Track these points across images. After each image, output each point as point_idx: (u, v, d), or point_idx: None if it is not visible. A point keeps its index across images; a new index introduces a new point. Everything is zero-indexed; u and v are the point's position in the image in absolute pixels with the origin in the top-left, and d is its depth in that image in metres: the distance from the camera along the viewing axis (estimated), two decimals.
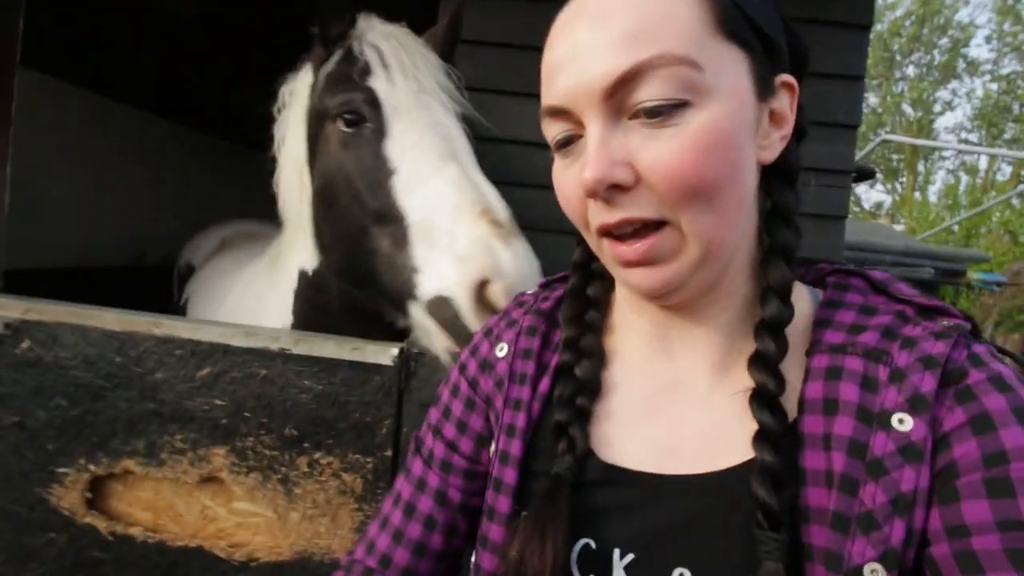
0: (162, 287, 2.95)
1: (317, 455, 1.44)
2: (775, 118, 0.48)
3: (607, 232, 0.47)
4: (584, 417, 0.53)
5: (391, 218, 1.04)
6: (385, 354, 1.41)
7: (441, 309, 0.97)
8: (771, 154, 0.48)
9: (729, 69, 0.43)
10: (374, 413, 1.43)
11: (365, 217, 1.08)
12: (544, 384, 0.56)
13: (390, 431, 1.41)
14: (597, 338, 0.55)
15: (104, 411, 1.48)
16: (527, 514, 0.50)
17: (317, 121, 1.14)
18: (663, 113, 0.42)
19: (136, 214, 3.43)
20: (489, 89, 1.35)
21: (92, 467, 1.50)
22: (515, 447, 0.54)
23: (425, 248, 0.99)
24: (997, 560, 0.35)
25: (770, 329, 0.47)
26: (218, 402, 1.45)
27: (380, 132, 1.04)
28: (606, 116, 0.44)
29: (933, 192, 18.55)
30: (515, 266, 0.89)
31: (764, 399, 0.46)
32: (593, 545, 0.50)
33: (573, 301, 0.57)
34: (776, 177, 0.51)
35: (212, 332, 1.44)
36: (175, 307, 2.65)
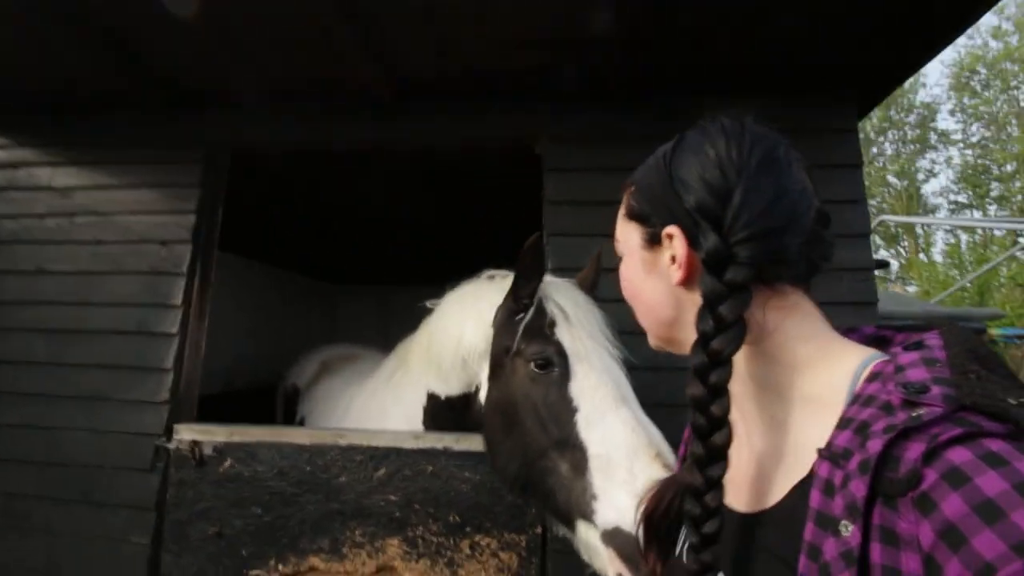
0: (253, 407, 3.26)
1: (478, 537, 1.70)
2: (673, 257, 0.62)
3: None
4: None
5: (572, 447, 1.21)
6: None
7: (618, 538, 1.08)
8: (674, 279, 0.62)
9: (629, 236, 0.68)
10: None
11: (547, 441, 1.26)
12: None
13: (539, 510, 1.68)
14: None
15: (294, 515, 1.76)
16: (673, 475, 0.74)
17: (502, 352, 1.38)
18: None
19: (227, 346, 3.84)
20: (594, 234, 1.82)
21: (281, 567, 1.75)
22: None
23: (603, 479, 1.14)
24: None
25: (694, 429, 0.58)
26: (392, 498, 1.74)
27: (565, 376, 1.28)
28: None
29: (936, 252, 19.36)
30: None
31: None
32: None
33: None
34: (702, 304, 0.58)
35: (386, 438, 1.77)
36: (287, 423, 2.95)
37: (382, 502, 1.74)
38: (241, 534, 1.77)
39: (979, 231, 17.13)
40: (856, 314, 1.76)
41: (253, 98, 2.00)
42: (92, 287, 1.99)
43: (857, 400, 0.50)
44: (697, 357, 0.56)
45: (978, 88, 20.57)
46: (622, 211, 0.69)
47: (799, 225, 0.57)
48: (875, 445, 0.44)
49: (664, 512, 0.67)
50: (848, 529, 0.44)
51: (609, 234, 1.80)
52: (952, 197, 21.45)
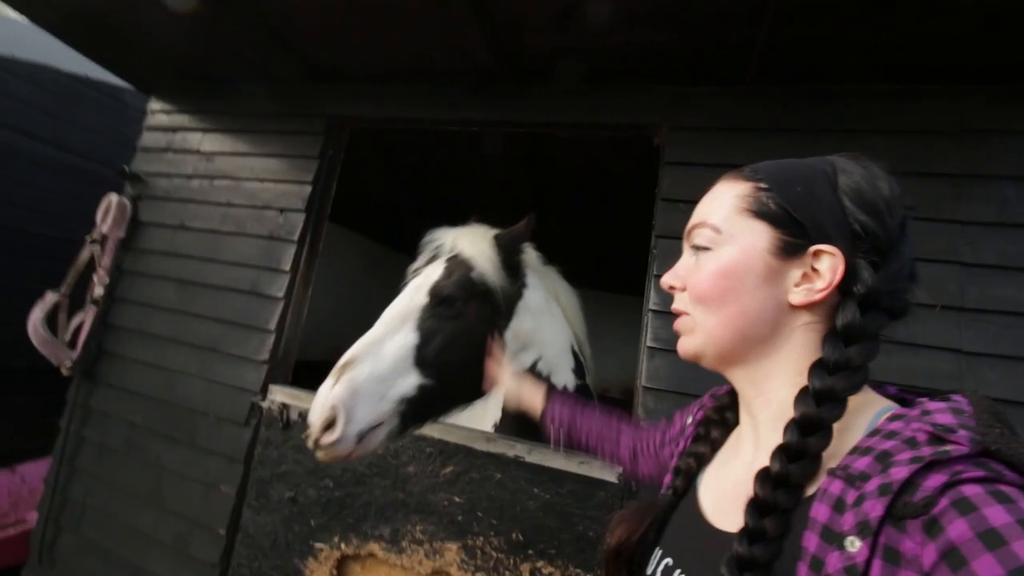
0: None
1: (540, 563, 1.54)
2: (808, 275, 0.60)
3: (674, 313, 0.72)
4: (686, 471, 0.74)
5: None
6: (611, 471, 1.53)
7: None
8: (797, 299, 0.60)
9: (748, 233, 0.63)
10: (596, 528, 1.52)
11: None
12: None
13: None
14: (720, 427, 0.76)
15: (361, 495, 1.73)
16: (648, 501, 0.74)
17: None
18: (700, 251, 0.67)
19: (327, 316, 4.08)
20: None
21: (344, 545, 1.73)
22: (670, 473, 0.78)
23: None
24: None
25: (784, 452, 0.56)
26: (456, 499, 1.64)
27: None
28: (687, 246, 0.71)
29: None
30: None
31: (755, 507, 0.56)
32: (662, 553, 0.68)
33: (717, 404, 0.79)
34: (832, 332, 0.59)
35: (458, 435, 1.68)
36: None
37: (446, 501, 1.64)
38: (313, 504, 1.79)
39: None
40: None
41: (372, 74, 2.01)
42: (220, 246, 2.14)
43: (877, 434, 0.53)
44: (818, 379, 0.57)
45: None
46: (743, 205, 0.65)
47: (913, 282, 0.61)
48: (900, 472, 0.47)
49: (640, 538, 0.71)
50: (856, 545, 0.47)
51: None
52: None
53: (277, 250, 2.04)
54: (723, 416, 0.77)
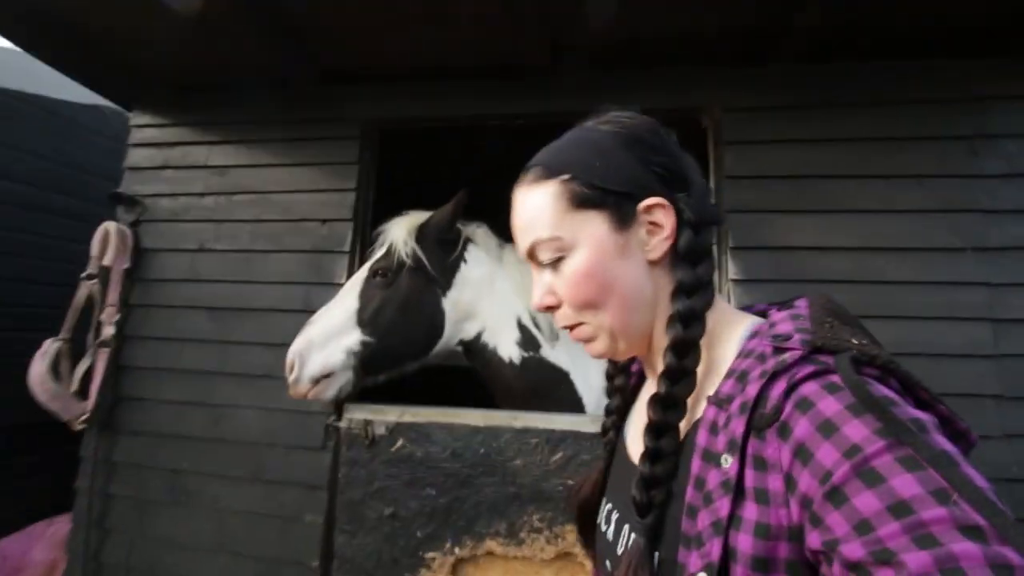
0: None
1: None
2: (651, 229, 0.63)
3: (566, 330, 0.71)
4: (613, 425, 0.80)
5: None
6: None
7: None
8: (657, 254, 0.63)
9: (584, 226, 0.63)
10: None
11: None
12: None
13: None
14: (623, 374, 0.82)
15: (469, 497, 1.73)
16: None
17: None
18: (553, 264, 0.66)
19: None
20: (776, 210, 1.71)
21: (458, 550, 1.72)
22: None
23: None
24: (869, 557, 0.39)
25: (665, 376, 0.61)
26: (570, 482, 1.69)
27: None
28: (536, 265, 0.69)
29: None
30: None
31: (650, 429, 0.61)
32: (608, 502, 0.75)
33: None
34: (679, 262, 0.64)
35: (564, 421, 1.72)
36: None
37: (560, 486, 1.69)
38: (416, 515, 1.75)
39: None
40: None
41: (407, 70, 1.96)
42: (253, 265, 1.99)
43: (741, 354, 0.58)
44: (680, 303, 0.62)
45: None
46: (562, 205, 0.64)
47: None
48: (752, 389, 0.51)
49: (593, 494, 0.79)
50: (728, 461, 0.51)
51: (791, 209, 1.70)
52: None
53: (326, 263, 1.94)
54: (624, 366, 0.81)
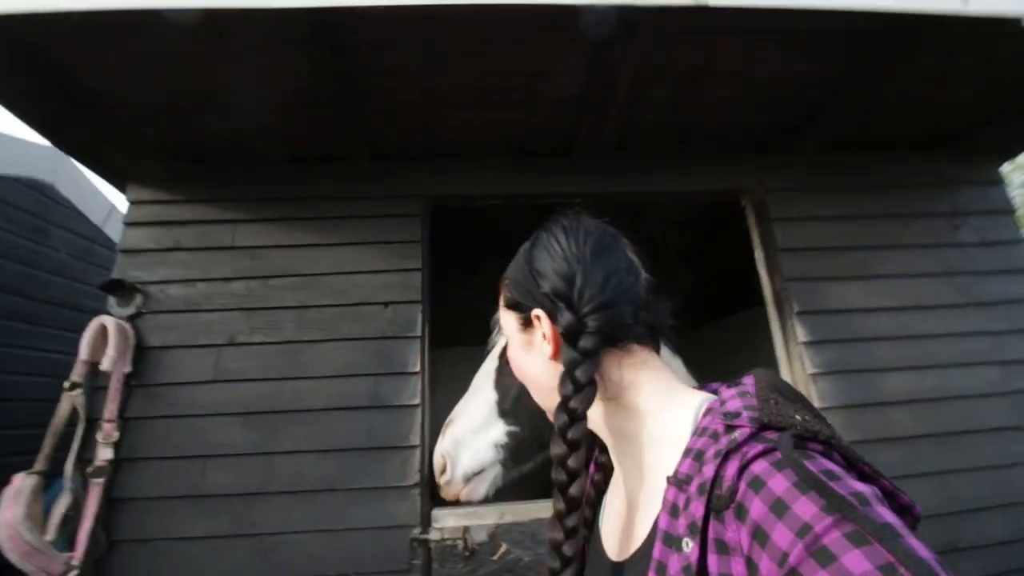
0: None
1: None
2: (544, 335, 0.70)
3: None
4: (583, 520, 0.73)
5: None
6: None
7: None
8: (548, 353, 0.69)
9: (507, 323, 0.76)
10: None
11: None
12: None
13: None
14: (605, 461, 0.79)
15: None
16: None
17: None
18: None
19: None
20: (826, 277, 1.93)
21: None
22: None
23: None
24: None
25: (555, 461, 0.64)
26: None
27: None
28: None
29: None
30: None
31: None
32: None
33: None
34: (563, 371, 0.67)
35: None
36: None
37: None
38: None
39: None
40: None
41: (456, 149, 1.94)
42: (303, 358, 1.73)
43: (696, 432, 0.59)
44: (560, 418, 0.64)
45: None
46: (501, 302, 0.78)
47: (630, 296, 0.69)
48: (709, 469, 0.52)
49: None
50: (688, 545, 0.51)
51: (838, 276, 1.93)
52: None
53: (396, 350, 1.74)
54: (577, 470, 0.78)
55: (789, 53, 1.59)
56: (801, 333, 1.86)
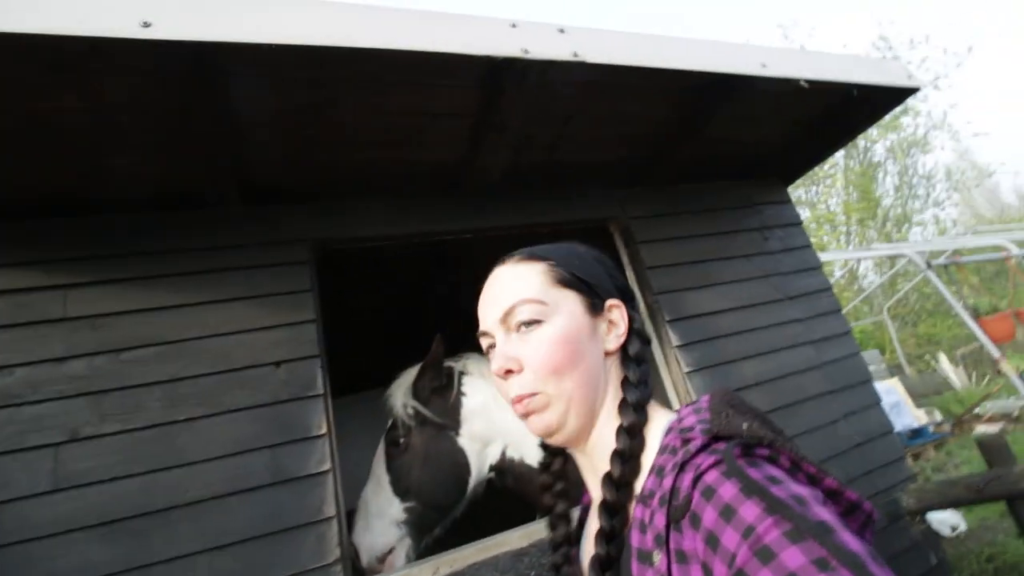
0: None
1: None
2: (610, 326, 0.72)
3: (515, 400, 0.70)
4: (565, 555, 0.77)
5: None
6: None
7: None
8: (612, 346, 0.71)
9: (564, 300, 0.71)
10: None
11: None
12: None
13: None
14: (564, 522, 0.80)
15: None
16: None
17: None
18: (527, 327, 0.69)
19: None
20: (684, 288, 2.24)
21: None
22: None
23: None
24: None
25: (619, 456, 0.64)
26: None
27: None
28: (503, 332, 0.72)
29: None
30: None
31: (604, 508, 0.63)
32: None
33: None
34: (628, 360, 0.72)
35: None
36: None
37: None
38: None
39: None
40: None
41: (355, 190, 1.86)
42: (177, 442, 1.45)
43: (660, 450, 0.62)
44: (631, 393, 0.69)
45: None
46: (547, 279, 0.72)
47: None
48: (667, 482, 0.55)
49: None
50: (658, 558, 0.53)
51: (692, 287, 2.26)
52: None
53: (295, 413, 1.56)
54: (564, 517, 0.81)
55: (642, 101, 1.85)
56: (674, 338, 2.12)
